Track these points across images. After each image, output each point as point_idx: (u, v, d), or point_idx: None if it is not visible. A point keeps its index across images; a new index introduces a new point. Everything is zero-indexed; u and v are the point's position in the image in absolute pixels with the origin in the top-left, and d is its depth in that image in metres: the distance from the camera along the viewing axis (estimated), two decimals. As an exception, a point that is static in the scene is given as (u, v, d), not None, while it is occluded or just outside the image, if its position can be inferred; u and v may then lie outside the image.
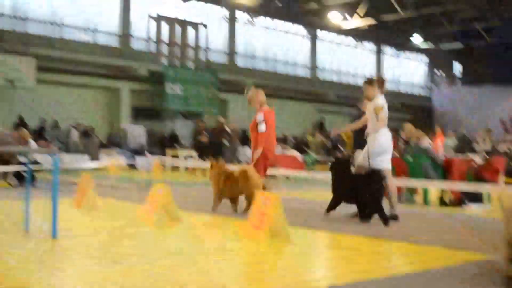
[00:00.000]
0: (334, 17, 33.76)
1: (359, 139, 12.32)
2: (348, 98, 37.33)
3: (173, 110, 30.27)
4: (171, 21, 30.85)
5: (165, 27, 30.75)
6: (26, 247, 5.39)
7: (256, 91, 9.54)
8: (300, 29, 37.36)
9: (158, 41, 30.65)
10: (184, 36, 31.39)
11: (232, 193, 8.75)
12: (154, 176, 14.71)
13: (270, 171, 9.68)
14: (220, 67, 32.51)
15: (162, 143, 27.54)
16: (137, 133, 28.20)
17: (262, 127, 9.06)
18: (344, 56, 40.35)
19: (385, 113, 8.47)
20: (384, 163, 8.31)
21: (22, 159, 12.61)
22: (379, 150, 8.30)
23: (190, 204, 9.35)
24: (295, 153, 20.98)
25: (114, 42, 29.22)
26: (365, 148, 8.51)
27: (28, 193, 6.35)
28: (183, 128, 30.13)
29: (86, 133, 26.39)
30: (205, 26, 32.09)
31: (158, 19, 30.44)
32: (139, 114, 29.72)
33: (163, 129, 29.92)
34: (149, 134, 28.76)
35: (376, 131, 8.36)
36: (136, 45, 29.94)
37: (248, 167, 8.90)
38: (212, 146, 19.73)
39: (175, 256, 5.36)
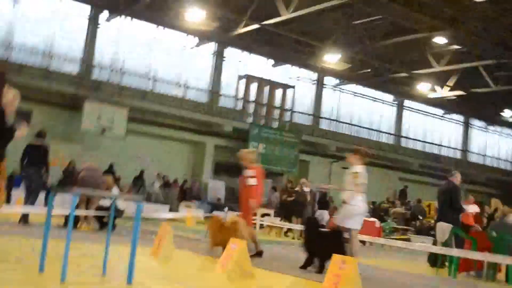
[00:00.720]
0: (423, 87, 33.42)
1: (444, 212, 11.99)
2: (432, 168, 36.50)
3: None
4: (260, 81, 31.45)
5: (253, 87, 31.37)
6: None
7: (246, 151, 11.23)
8: (387, 96, 37.22)
9: (246, 99, 31.27)
10: (271, 96, 31.91)
11: (224, 240, 9.31)
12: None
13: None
14: (304, 129, 32.69)
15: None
16: (217, 187, 28.56)
17: (251, 181, 10.35)
18: (431, 126, 39.72)
19: (361, 180, 9.16)
20: (355, 224, 9.17)
21: (104, 204, 13.00)
22: (353, 214, 9.13)
23: (263, 262, 9.28)
24: (374, 220, 20.63)
25: (203, 98, 30.05)
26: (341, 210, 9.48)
27: (108, 238, 6.50)
28: (262, 186, 30.23)
29: (168, 184, 26.98)
30: (292, 87, 32.53)
31: (248, 78, 31.11)
32: (220, 169, 30.15)
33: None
34: (229, 189, 29.04)
35: (353, 196, 9.13)
36: (224, 102, 30.65)
37: (239, 219, 9.97)
38: (294, 206, 19.98)
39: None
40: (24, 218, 12.29)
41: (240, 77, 31.11)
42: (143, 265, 7.31)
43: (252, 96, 31.51)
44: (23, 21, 25.27)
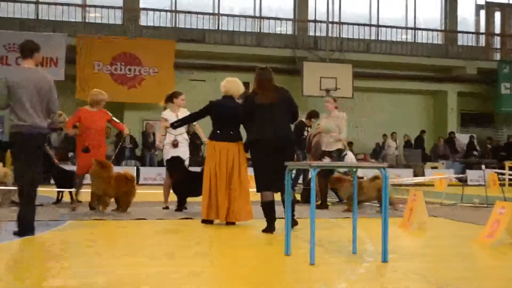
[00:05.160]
0: None
1: None
2: None
3: (509, 113, 28.89)
4: (503, 8, 29.65)
5: (496, 16, 29.71)
6: (357, 271, 5.60)
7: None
8: None
9: (489, 33, 29.71)
10: (521, 25, 29.99)
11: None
12: (490, 192, 14.18)
13: None
14: None
15: (497, 154, 26.55)
16: (467, 142, 27.59)
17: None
18: None
19: None
20: None
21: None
22: None
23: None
24: None
25: (437, 39, 29.13)
26: None
27: (355, 213, 6.61)
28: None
29: (408, 144, 26.75)
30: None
31: (488, 7, 29.50)
32: (468, 120, 29.15)
33: (497, 137, 28.83)
34: (481, 143, 27.95)
35: None
36: (463, 40, 29.39)
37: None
38: None
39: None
40: None
41: (478, 7, 29.63)
42: (395, 239, 7.32)
43: (497, 28, 29.84)
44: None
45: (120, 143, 15.75)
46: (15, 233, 7.43)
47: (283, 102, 8.13)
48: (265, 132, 8.00)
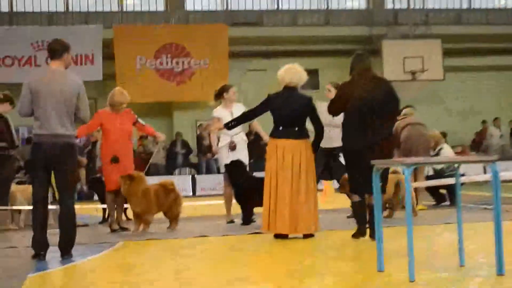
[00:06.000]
0: None
1: None
2: None
3: None
4: None
5: None
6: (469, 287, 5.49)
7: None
8: None
9: None
10: None
11: None
12: None
13: None
14: None
15: None
16: None
17: None
18: None
19: None
20: None
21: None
22: None
23: None
24: None
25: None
26: None
27: (459, 217, 6.46)
28: None
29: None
30: None
31: None
32: None
33: None
34: None
35: None
36: None
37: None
38: None
39: None
40: None
41: None
42: (508, 247, 7.12)
43: None
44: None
45: (156, 151, 15.87)
46: (34, 256, 7.65)
47: (380, 96, 8.12)
48: (352, 136, 8.16)
